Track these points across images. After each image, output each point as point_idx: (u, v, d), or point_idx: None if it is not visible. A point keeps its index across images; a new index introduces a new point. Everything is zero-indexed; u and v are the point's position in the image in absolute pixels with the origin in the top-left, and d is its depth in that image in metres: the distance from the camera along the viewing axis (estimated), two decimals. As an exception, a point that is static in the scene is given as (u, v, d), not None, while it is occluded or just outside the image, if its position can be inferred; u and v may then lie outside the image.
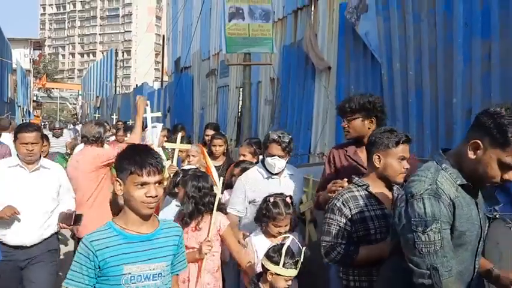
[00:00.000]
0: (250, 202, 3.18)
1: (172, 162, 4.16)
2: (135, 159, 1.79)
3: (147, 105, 4.11)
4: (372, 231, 2.26)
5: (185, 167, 3.91)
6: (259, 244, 2.83)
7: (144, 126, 4.19)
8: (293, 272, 2.43)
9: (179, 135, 4.38)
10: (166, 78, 22.47)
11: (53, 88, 55.52)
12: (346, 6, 5.91)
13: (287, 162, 3.18)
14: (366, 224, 2.27)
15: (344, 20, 5.99)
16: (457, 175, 1.73)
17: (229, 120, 9.83)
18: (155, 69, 66.64)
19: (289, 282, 2.45)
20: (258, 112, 9.03)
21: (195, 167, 3.55)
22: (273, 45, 6.89)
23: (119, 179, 1.82)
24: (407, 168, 2.26)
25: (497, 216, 2.28)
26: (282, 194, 2.90)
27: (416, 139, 4.62)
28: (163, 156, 4.60)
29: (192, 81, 13.51)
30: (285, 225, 2.80)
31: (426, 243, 1.66)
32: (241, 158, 3.86)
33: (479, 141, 1.66)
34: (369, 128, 2.70)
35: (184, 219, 2.78)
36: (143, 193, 1.78)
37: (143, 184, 1.78)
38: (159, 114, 6.37)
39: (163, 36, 21.78)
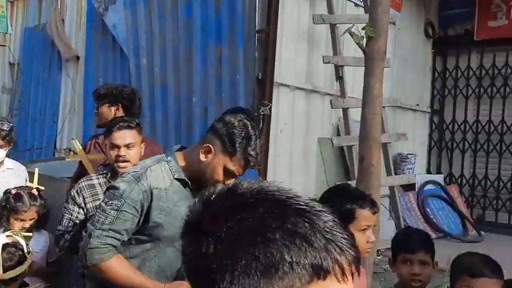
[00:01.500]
0: None
1: None
2: None
3: None
4: None
5: None
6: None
7: None
8: (16, 271, 2.22)
9: None
10: None
11: None
12: (94, -6, 5.66)
13: (8, 156, 2.87)
14: None
15: (93, 9, 5.72)
16: (177, 169, 1.77)
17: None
18: None
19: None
20: (-6, 101, 7.80)
21: None
22: (7, 24, 6.02)
23: None
24: (119, 155, 2.27)
25: None
26: (27, 186, 2.72)
27: (162, 133, 4.82)
28: None
29: None
30: (30, 219, 2.58)
31: (101, 213, 1.71)
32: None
33: (211, 146, 1.72)
34: (115, 115, 2.78)
35: None
36: None
37: None
38: None
39: None
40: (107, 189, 1.78)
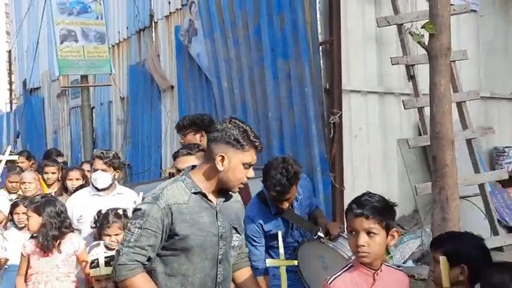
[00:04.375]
0: (77, 220, 3.25)
1: None
2: None
3: None
4: None
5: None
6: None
7: None
8: (103, 271, 2.57)
9: (9, 148, 4.27)
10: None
11: None
12: (180, 29, 6.29)
13: (117, 180, 3.34)
14: None
15: (180, 42, 6.36)
16: (192, 185, 1.93)
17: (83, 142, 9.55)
18: (8, 90, 60.02)
19: (103, 284, 2.58)
20: (111, 132, 8.96)
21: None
22: (110, 66, 6.96)
23: None
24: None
25: (324, 241, 2.71)
26: (116, 208, 3.02)
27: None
28: None
29: (42, 103, 12.74)
30: (115, 234, 2.93)
31: (127, 232, 1.89)
32: (70, 183, 3.89)
33: (223, 154, 1.90)
34: (201, 141, 3.07)
35: (46, 244, 2.83)
36: None
37: None
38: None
39: (9, 54, 19.98)
40: (133, 211, 1.99)
